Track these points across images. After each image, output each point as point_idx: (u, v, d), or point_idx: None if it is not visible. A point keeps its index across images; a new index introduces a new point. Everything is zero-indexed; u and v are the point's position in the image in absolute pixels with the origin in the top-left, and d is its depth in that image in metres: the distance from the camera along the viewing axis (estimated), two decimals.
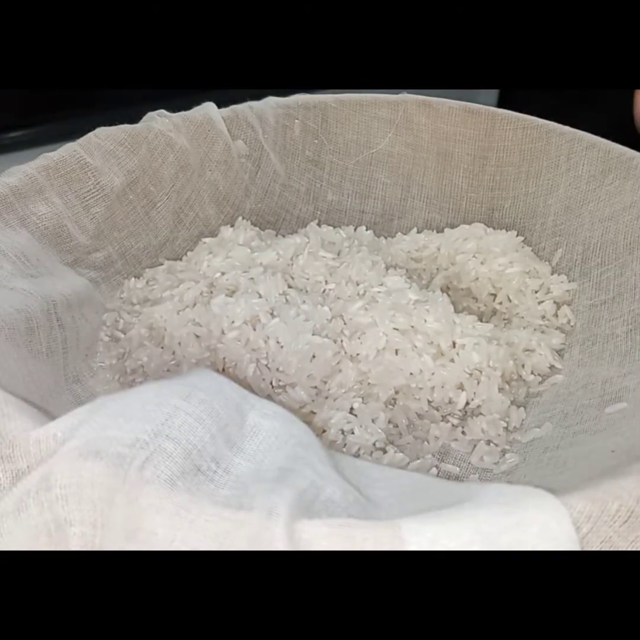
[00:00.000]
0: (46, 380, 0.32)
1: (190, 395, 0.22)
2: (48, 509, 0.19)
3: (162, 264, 0.43)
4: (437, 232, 0.47)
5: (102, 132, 0.41)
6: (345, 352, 0.36)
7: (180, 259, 0.44)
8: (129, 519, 0.18)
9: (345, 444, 0.33)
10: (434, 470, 0.33)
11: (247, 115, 0.47)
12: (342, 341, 0.36)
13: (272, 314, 0.36)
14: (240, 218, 0.47)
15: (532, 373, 0.37)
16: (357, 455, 0.33)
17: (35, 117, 0.59)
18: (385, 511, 0.21)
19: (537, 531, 0.18)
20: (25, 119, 0.59)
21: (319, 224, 0.47)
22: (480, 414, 0.35)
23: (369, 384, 0.35)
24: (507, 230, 0.46)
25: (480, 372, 0.35)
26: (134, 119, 0.43)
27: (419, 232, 0.47)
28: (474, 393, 0.35)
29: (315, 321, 0.36)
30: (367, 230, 0.47)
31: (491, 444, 0.34)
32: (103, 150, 0.41)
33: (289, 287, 0.39)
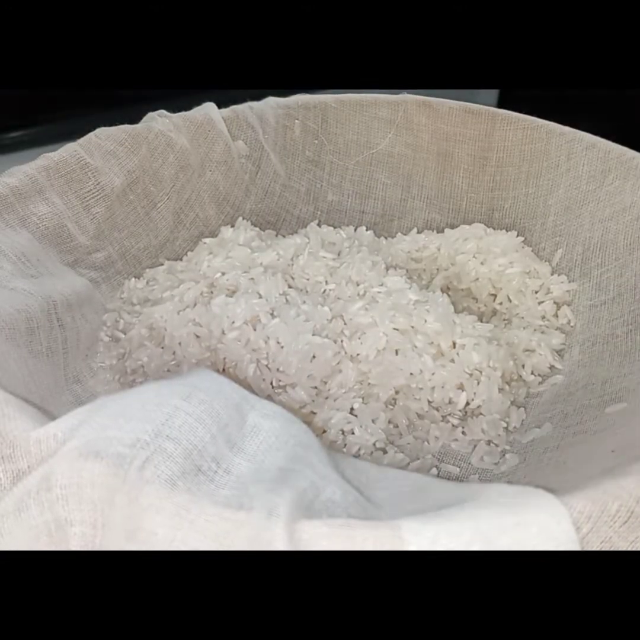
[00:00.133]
0: (46, 380, 0.32)
1: (191, 396, 0.22)
2: (48, 509, 0.19)
3: (162, 264, 0.43)
4: (437, 232, 0.47)
5: (102, 132, 0.41)
6: (346, 352, 0.36)
7: (181, 259, 0.44)
8: (129, 519, 0.18)
9: (345, 444, 0.33)
10: (434, 471, 0.33)
11: (248, 115, 0.47)
12: (342, 341, 0.36)
13: (272, 314, 0.36)
14: (240, 218, 0.47)
15: (532, 373, 0.37)
16: (357, 456, 0.33)
17: (35, 117, 0.59)
18: (385, 511, 0.21)
19: (537, 531, 0.18)
20: (25, 119, 0.59)
21: (319, 224, 0.47)
22: (480, 414, 0.35)
23: (369, 384, 0.35)
24: (507, 231, 0.46)
25: (480, 372, 0.35)
26: (134, 119, 0.44)
27: (419, 232, 0.47)
28: (474, 393, 0.35)
29: (315, 321, 0.36)
30: (367, 230, 0.47)
31: (491, 444, 0.34)
32: (103, 151, 0.41)
33: (289, 287, 0.39)
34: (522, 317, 0.41)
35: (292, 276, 0.40)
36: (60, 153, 0.39)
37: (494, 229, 0.46)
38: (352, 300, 0.38)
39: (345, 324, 0.37)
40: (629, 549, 0.19)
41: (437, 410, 0.35)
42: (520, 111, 0.46)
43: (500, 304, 0.42)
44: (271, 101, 0.48)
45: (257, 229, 0.46)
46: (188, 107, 0.46)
